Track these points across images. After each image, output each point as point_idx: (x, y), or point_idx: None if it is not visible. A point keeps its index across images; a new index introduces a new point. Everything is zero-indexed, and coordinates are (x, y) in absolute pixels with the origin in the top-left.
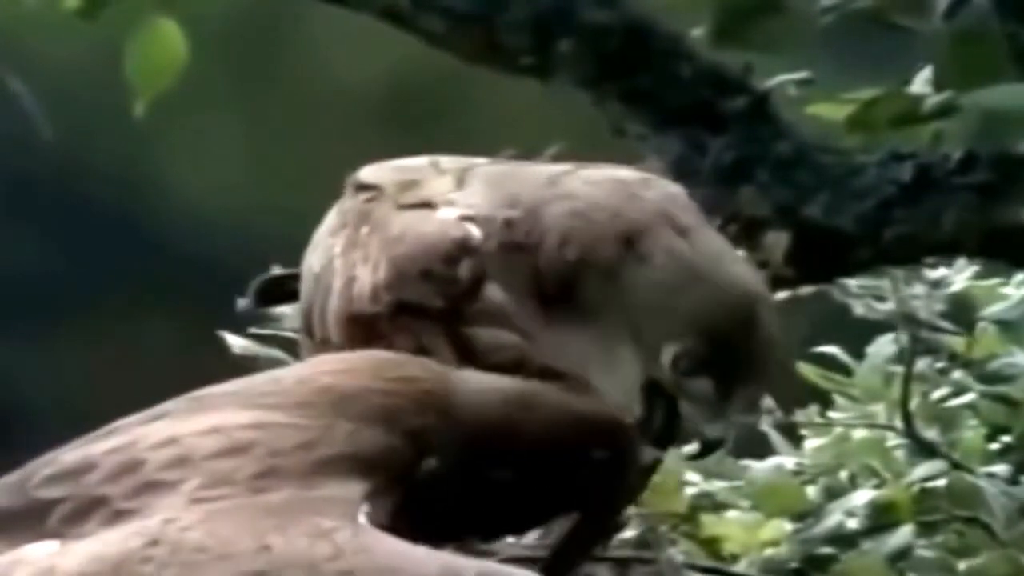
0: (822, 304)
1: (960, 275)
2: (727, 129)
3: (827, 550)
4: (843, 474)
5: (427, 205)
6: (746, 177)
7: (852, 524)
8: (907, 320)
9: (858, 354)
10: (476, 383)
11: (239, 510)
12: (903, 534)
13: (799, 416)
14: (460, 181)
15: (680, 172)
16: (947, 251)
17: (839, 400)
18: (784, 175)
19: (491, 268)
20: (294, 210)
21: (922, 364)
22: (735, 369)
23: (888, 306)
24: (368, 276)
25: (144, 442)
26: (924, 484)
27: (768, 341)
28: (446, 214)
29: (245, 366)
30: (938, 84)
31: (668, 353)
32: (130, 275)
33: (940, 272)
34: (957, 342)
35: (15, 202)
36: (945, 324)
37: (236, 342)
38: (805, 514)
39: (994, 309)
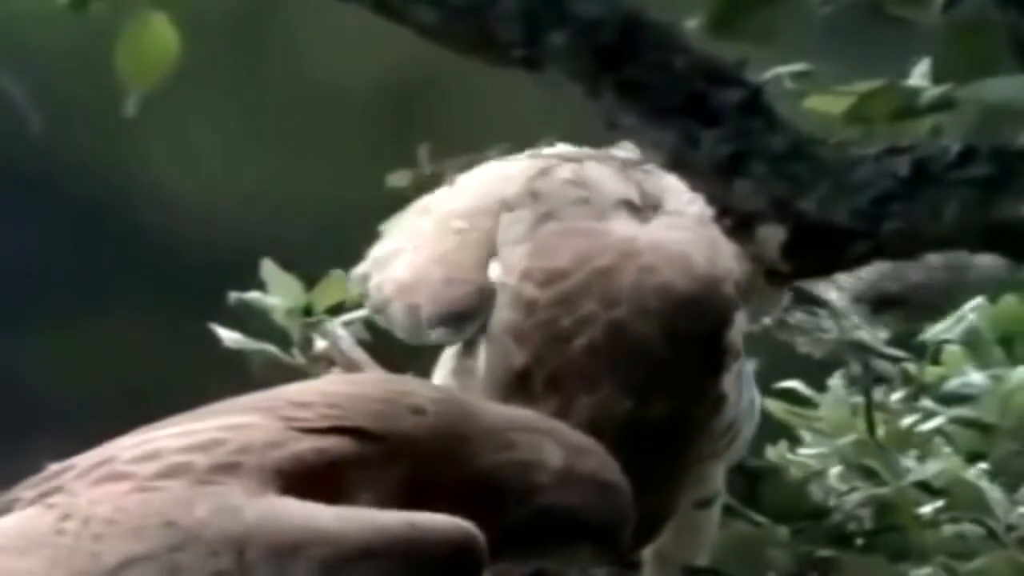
0: (776, 338)
1: None
2: (721, 122)
3: (826, 552)
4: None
5: (493, 251)
6: (741, 170)
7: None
8: (855, 349)
9: (820, 387)
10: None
11: (159, 494)
12: (904, 536)
13: (770, 453)
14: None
15: (675, 166)
16: (947, 246)
17: (806, 436)
18: (779, 168)
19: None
20: (286, 205)
21: (889, 394)
22: None
23: (832, 336)
24: (402, 263)
25: (123, 443)
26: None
27: None
28: (491, 272)
29: (237, 359)
30: (937, 77)
31: None
32: (118, 269)
33: None
34: (911, 368)
35: None
36: (893, 351)
37: (228, 336)
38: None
39: (935, 330)
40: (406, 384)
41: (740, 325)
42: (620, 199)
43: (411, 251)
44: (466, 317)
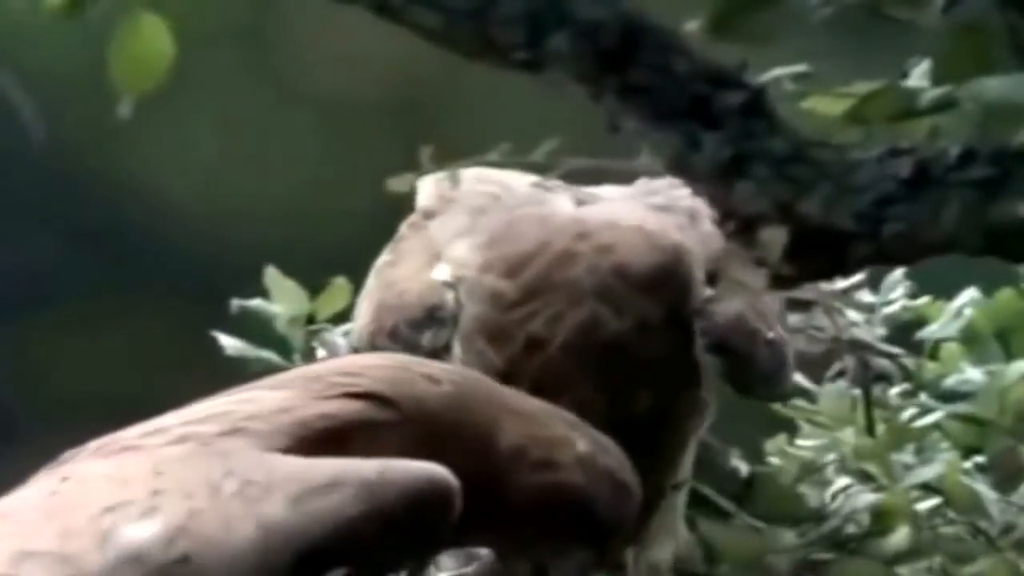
0: None
1: (894, 294)
2: (723, 125)
3: (823, 555)
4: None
5: (434, 255)
6: (743, 173)
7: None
8: (852, 346)
9: (818, 380)
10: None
11: (156, 453)
12: (901, 538)
13: (769, 446)
14: (474, 217)
15: (677, 169)
16: (947, 249)
17: (804, 427)
18: (781, 171)
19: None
20: (288, 211)
21: (887, 391)
22: None
23: (828, 334)
24: (363, 311)
25: (130, 429)
26: (922, 489)
27: None
28: (437, 274)
29: (238, 367)
30: (937, 78)
31: None
32: (120, 277)
33: (870, 297)
34: (909, 364)
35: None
36: (890, 348)
37: (229, 343)
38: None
39: (931, 328)
40: (422, 360)
41: (701, 293)
42: (529, 183)
43: (365, 300)
44: (439, 307)
